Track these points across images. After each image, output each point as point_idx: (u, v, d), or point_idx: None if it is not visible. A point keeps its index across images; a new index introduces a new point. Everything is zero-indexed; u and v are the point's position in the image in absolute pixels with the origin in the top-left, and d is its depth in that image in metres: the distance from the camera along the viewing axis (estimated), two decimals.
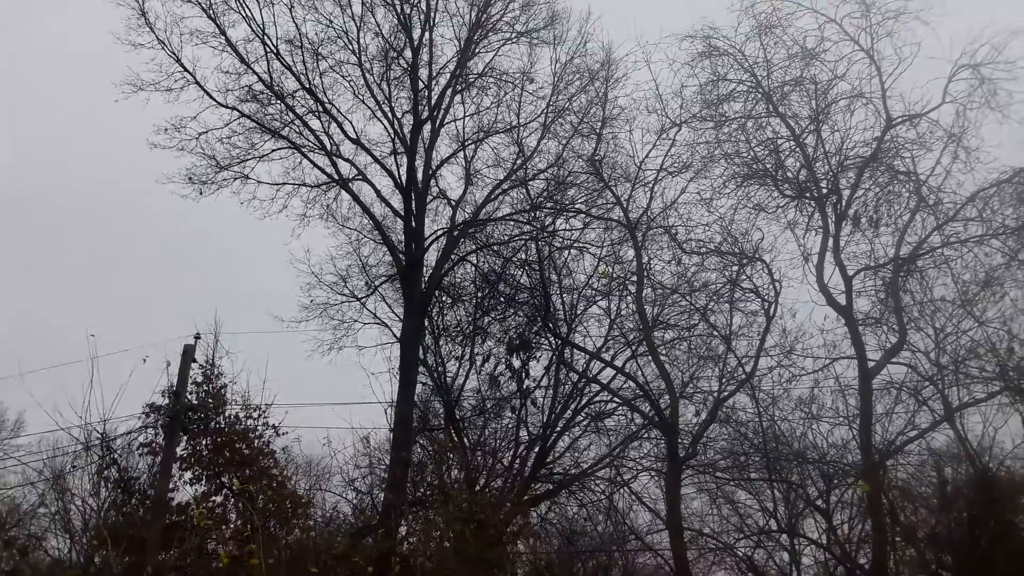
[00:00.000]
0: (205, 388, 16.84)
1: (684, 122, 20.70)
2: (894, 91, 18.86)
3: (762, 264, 20.14)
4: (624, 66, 21.81)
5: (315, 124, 21.31)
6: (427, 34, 21.81)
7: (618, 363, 21.37)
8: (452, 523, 14.34)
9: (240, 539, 13.50)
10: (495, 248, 22.32)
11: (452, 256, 21.97)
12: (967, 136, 18.17)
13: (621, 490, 20.27)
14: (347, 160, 21.69)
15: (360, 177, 21.82)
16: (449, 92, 22.24)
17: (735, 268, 20.52)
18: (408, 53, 21.82)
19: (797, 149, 19.89)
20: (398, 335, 21.20)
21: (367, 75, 21.61)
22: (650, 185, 20.98)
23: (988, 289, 17.97)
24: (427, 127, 22.09)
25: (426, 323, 21.70)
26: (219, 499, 15.73)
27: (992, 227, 18.03)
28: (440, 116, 22.27)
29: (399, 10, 21.55)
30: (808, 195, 19.84)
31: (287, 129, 21.30)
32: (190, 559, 12.51)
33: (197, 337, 17.33)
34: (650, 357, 20.30)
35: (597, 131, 21.77)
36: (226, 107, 20.66)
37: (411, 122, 21.84)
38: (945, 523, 16.71)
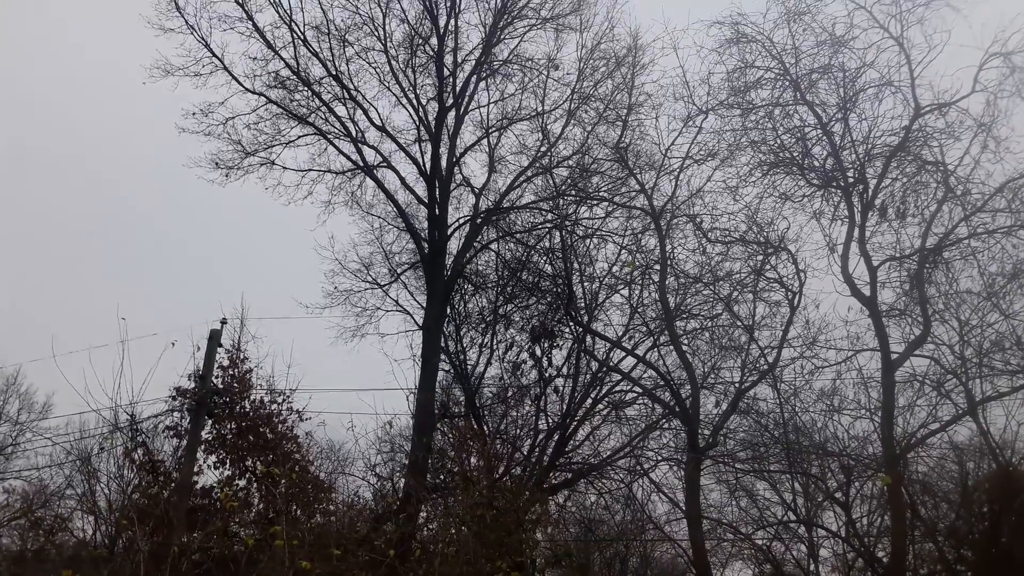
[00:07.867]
0: (231, 372, 17.14)
1: (711, 109, 20.42)
2: (923, 79, 18.49)
3: (787, 254, 19.96)
4: (651, 52, 21.83)
5: (341, 111, 21.53)
6: (453, 20, 21.88)
7: (639, 352, 21.39)
8: (472, 509, 14.46)
9: (263, 522, 13.74)
10: (518, 236, 22.36)
11: (475, 244, 22.08)
12: (997, 125, 17.68)
13: (640, 479, 20.30)
14: (372, 147, 21.90)
15: (385, 164, 22.00)
16: (474, 79, 22.33)
17: (759, 258, 20.38)
18: (434, 40, 21.89)
19: (824, 138, 19.60)
20: (420, 323, 21.38)
21: (393, 62, 21.74)
22: (675, 173, 20.75)
23: (1015, 281, 17.70)
24: (451, 114, 22.19)
25: (448, 311, 21.84)
26: (243, 483, 16.07)
27: (1020, 218, 17.67)
28: (465, 103, 22.34)
29: None
30: (834, 184, 19.59)
31: (313, 115, 21.50)
32: (214, 541, 12.76)
33: (223, 322, 17.63)
34: (672, 346, 20.22)
35: (623, 118, 21.66)
36: (253, 93, 20.91)
37: (436, 109, 21.93)
38: (965, 517, 16.60)
